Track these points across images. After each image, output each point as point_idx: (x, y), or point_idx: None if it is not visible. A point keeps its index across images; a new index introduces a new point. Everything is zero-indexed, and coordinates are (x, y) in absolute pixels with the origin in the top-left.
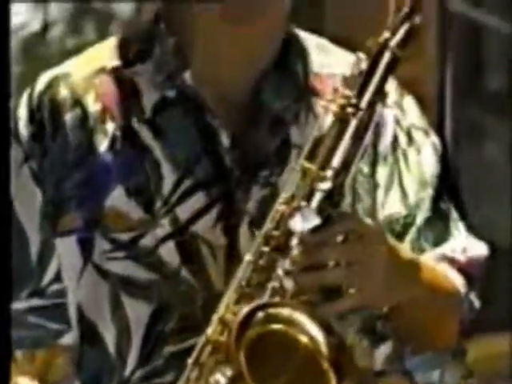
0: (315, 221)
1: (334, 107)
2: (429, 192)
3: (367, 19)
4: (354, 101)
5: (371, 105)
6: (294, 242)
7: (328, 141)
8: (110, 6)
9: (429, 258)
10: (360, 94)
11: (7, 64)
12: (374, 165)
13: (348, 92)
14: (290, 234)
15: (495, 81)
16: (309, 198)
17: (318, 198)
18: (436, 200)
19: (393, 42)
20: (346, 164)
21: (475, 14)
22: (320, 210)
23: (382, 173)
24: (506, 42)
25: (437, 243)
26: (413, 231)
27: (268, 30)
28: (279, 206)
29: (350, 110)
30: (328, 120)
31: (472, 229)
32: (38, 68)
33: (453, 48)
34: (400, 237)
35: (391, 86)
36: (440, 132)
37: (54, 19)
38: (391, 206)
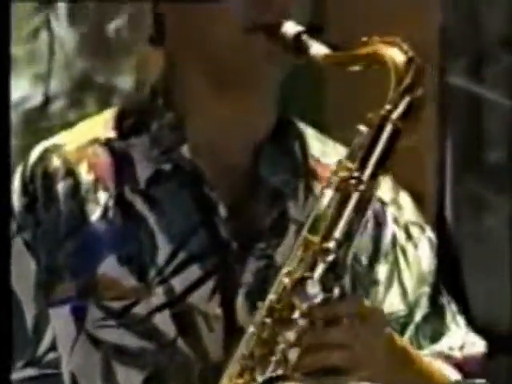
0: (319, 294)
1: (336, 179)
2: (426, 289)
3: (367, 108)
4: (356, 173)
5: (373, 177)
6: (298, 314)
7: (330, 213)
8: (111, 79)
9: (425, 355)
10: (362, 167)
11: (8, 138)
12: (374, 262)
13: (350, 164)
14: (293, 306)
15: (495, 154)
16: (312, 270)
17: (320, 270)
18: (433, 295)
19: (394, 115)
20: (349, 236)
21: (475, 88)
22: (323, 283)
23: (383, 271)
24: (507, 117)
25: (434, 338)
26: (411, 329)
27: (262, 102)
28: (282, 278)
29: (352, 182)
30: (330, 192)
31: (471, 309)
32: (39, 141)
33: (453, 121)
34: (399, 334)
35: (386, 184)
36: (441, 205)
37: (55, 93)
38: (391, 303)
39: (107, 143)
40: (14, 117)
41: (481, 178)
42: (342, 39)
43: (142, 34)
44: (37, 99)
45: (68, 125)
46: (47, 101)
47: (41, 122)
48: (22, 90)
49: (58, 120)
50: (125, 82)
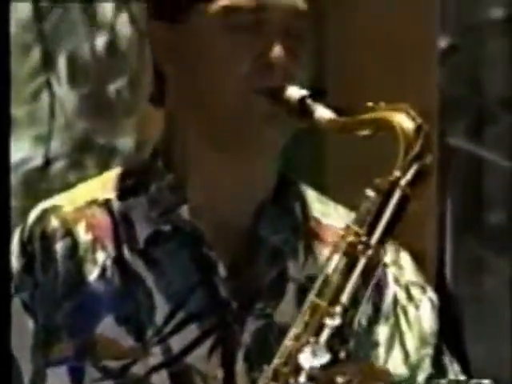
0: (325, 357)
1: (343, 244)
2: (429, 350)
3: (367, 171)
4: (363, 238)
5: (381, 243)
6: (303, 378)
7: (337, 277)
8: (112, 141)
9: None
10: (370, 232)
11: (8, 200)
12: (374, 324)
13: (358, 229)
14: (299, 370)
15: (495, 216)
16: (318, 333)
17: (327, 334)
18: (436, 356)
19: (403, 181)
20: (355, 301)
21: (476, 150)
22: (329, 347)
23: (384, 332)
24: (506, 178)
25: None
26: None
27: (268, 165)
28: (288, 342)
29: (359, 247)
30: (337, 256)
31: (471, 367)
32: (39, 203)
33: (453, 182)
34: None
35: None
36: (440, 266)
37: (56, 155)
38: (394, 366)
39: (105, 204)
40: (14, 178)
41: (481, 239)
42: (341, 103)
43: (142, 95)
44: (37, 161)
45: (68, 186)
46: (47, 162)
47: (41, 184)
48: (23, 151)
49: (59, 182)
50: (125, 143)
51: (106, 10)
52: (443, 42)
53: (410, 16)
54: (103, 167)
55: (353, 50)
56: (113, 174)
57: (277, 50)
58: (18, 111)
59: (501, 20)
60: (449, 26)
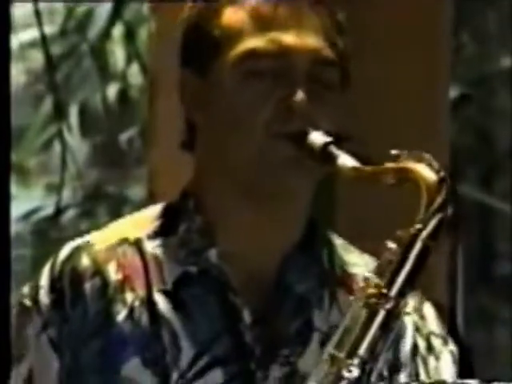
0: None
1: (363, 295)
2: None
3: (379, 221)
4: (384, 290)
5: (401, 295)
6: None
7: (356, 329)
8: (122, 189)
9: None
10: (390, 284)
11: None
12: (394, 373)
13: (378, 281)
14: None
15: (505, 267)
16: None
17: None
18: None
19: (424, 233)
20: (374, 353)
21: (485, 199)
22: None
23: (402, 379)
24: None
25: None
26: None
27: (296, 212)
28: None
29: (379, 299)
30: (357, 308)
31: None
32: (51, 251)
33: (463, 233)
34: None
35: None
36: (452, 316)
37: (67, 203)
38: None
39: (136, 243)
40: (26, 227)
41: (491, 289)
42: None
43: (153, 144)
44: (49, 210)
45: (80, 235)
46: (59, 211)
47: (52, 233)
48: (34, 200)
49: (70, 230)
50: (137, 192)
51: (118, 59)
52: (454, 92)
53: (421, 66)
54: (114, 216)
55: (365, 99)
56: (145, 214)
57: (299, 95)
58: (29, 161)
59: (510, 70)
60: (460, 76)
